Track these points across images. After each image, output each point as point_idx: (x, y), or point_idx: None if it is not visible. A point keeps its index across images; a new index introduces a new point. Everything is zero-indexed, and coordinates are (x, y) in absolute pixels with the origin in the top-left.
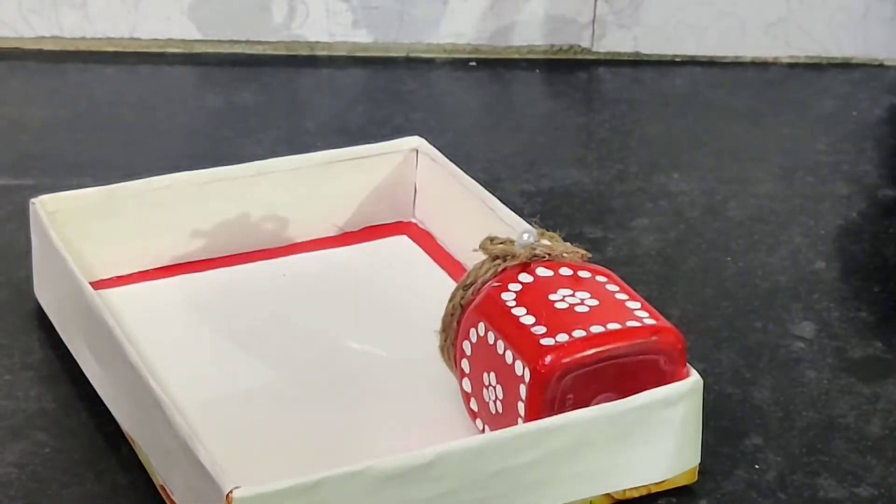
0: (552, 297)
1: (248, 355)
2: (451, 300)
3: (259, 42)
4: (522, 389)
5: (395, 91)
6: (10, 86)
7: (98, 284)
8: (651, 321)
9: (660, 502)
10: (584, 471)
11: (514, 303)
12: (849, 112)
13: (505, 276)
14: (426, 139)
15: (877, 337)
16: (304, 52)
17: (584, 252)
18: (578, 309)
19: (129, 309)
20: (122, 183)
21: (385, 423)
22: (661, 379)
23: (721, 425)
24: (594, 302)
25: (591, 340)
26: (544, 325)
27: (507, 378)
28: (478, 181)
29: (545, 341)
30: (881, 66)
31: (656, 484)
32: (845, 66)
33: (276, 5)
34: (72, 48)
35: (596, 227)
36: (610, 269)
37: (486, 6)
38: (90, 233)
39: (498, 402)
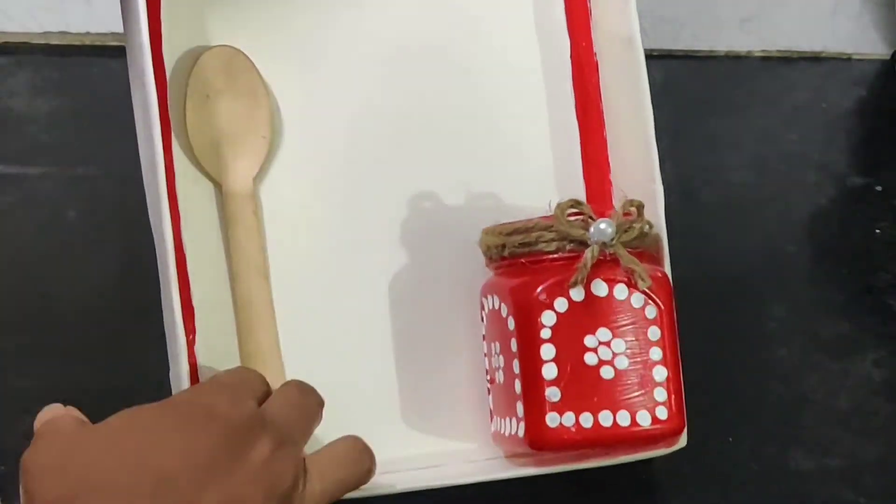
0: (588, 340)
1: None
2: (492, 233)
3: None
4: (520, 428)
5: None
6: (18, 79)
7: None
8: (663, 412)
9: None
10: None
11: (548, 334)
12: (818, 104)
13: (558, 283)
14: None
15: (845, 317)
16: None
17: (650, 282)
18: (604, 372)
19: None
20: None
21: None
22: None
23: (696, 400)
24: (624, 362)
25: (592, 435)
26: (561, 390)
27: (509, 373)
28: None
29: (550, 419)
30: (849, 59)
31: None
32: (815, 59)
33: None
34: (77, 43)
35: None
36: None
37: None
38: None
39: (501, 372)
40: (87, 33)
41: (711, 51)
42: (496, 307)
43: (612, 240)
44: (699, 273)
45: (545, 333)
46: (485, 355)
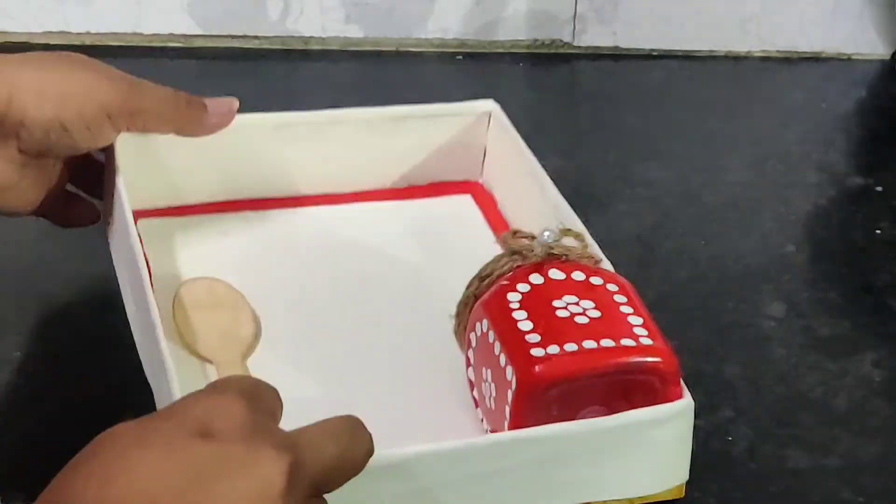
0: (556, 303)
1: (264, 297)
2: (467, 288)
3: (256, 37)
4: (509, 395)
5: (386, 83)
6: None
7: (146, 213)
8: (647, 341)
9: None
10: (564, 481)
11: (517, 305)
12: (818, 104)
13: (518, 275)
14: None
15: (843, 316)
16: (299, 47)
17: (597, 257)
18: (578, 319)
19: (169, 240)
20: None
21: (383, 399)
22: (654, 397)
23: (695, 399)
24: (596, 313)
25: (580, 356)
26: (539, 334)
27: (500, 379)
28: None
29: (535, 352)
30: (849, 59)
31: (640, 498)
32: (815, 60)
33: (272, 2)
34: (77, 42)
35: (577, 212)
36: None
37: (471, 3)
38: (147, 163)
39: (492, 399)
40: (88, 33)
41: (711, 51)
42: (484, 331)
43: (556, 240)
44: (698, 272)
45: (515, 304)
46: (472, 386)
